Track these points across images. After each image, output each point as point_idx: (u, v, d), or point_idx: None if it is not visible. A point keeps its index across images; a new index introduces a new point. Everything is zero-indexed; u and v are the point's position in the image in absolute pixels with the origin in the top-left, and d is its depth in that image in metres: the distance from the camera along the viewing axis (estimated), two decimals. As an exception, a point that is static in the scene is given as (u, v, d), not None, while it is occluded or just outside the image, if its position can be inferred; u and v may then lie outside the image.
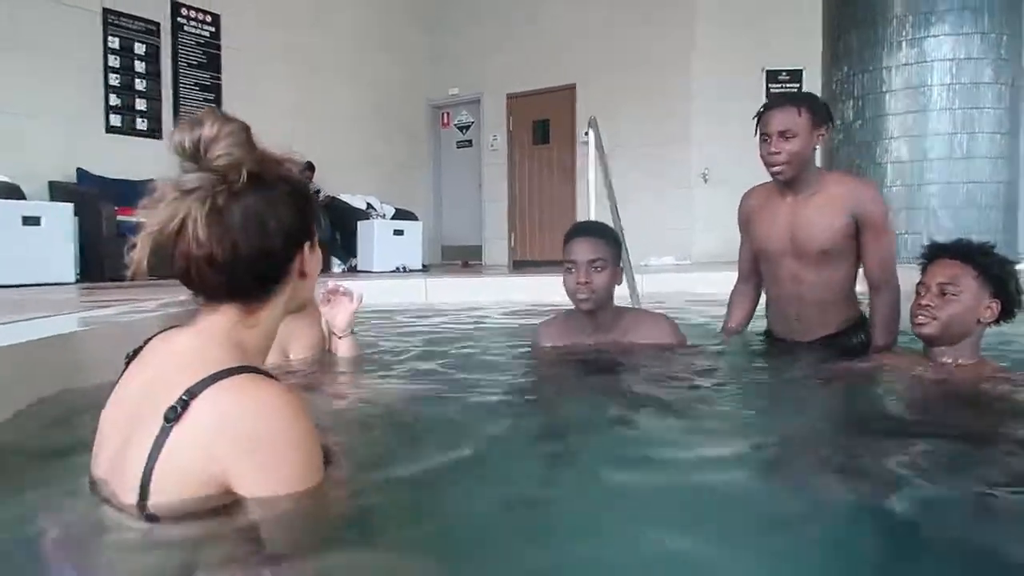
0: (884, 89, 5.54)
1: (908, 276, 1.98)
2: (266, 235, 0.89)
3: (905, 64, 5.45)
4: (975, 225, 5.31)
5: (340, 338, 2.15)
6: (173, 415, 0.82)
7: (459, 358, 2.46)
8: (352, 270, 7.36)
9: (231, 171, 0.85)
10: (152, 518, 0.82)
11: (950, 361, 1.80)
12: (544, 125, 9.34)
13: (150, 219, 0.85)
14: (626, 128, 7.99)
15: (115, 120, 6.49)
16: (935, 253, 1.84)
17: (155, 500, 0.82)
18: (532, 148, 9.48)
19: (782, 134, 2.10)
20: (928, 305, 1.76)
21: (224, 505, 0.84)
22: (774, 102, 2.17)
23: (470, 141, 10.12)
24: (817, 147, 2.15)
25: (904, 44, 5.42)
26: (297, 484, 0.85)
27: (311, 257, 0.98)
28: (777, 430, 1.53)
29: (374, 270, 7.02)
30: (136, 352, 0.97)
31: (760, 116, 2.18)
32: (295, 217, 0.92)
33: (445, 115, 10.30)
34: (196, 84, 7.16)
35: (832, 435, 1.51)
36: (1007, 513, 1.05)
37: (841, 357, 2.12)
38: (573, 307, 2.18)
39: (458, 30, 9.71)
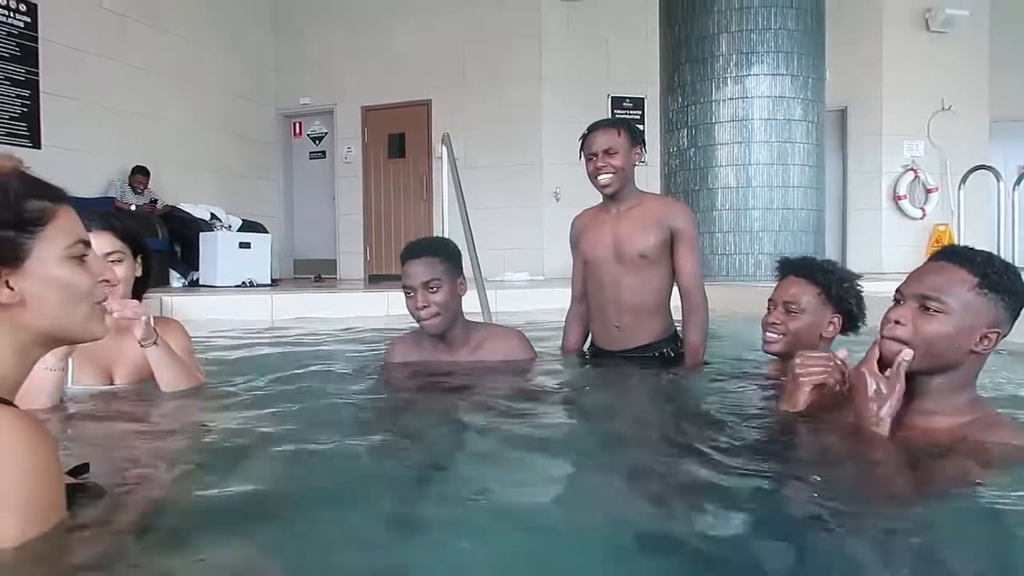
0: (713, 120, 6.05)
1: (734, 295, 2.15)
2: None
3: (731, 99, 5.98)
4: (790, 247, 5.91)
5: (144, 347, 1.89)
6: None
7: (300, 379, 2.34)
8: (193, 284, 6.89)
9: None
10: None
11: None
12: (400, 139, 9.28)
13: None
14: (480, 145, 8.13)
15: (-96, 113, 5.69)
16: (783, 270, 1.99)
17: None
18: (388, 162, 9.38)
19: (606, 152, 2.34)
20: (774, 322, 1.90)
21: None
22: (596, 125, 2.42)
23: (324, 152, 9.85)
24: (636, 164, 2.40)
25: (730, 80, 5.96)
26: (20, 523, 0.78)
27: (30, 283, 0.88)
28: (615, 441, 1.61)
29: (218, 284, 6.61)
30: None
31: (584, 139, 2.41)
32: None
33: (297, 125, 9.96)
34: (7, 79, 6.43)
35: (681, 443, 1.61)
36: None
37: (666, 366, 2.35)
38: None
39: (309, 39, 9.43)
